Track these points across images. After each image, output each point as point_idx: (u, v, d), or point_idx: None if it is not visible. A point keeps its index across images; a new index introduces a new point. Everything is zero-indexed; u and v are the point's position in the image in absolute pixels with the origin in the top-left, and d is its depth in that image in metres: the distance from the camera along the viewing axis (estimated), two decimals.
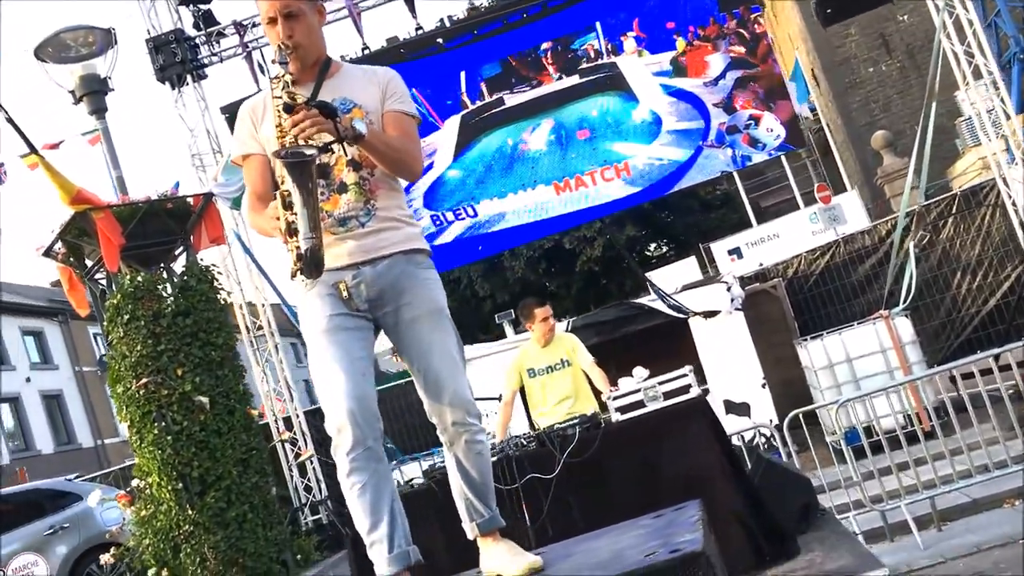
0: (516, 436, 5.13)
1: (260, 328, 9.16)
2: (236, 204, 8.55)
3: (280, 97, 2.41)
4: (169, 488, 7.28)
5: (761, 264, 12.91)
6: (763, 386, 9.56)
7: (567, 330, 9.97)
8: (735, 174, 17.50)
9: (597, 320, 10.10)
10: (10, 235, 33.92)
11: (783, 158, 17.31)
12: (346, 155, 2.55)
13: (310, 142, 2.36)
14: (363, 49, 9.38)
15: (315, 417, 10.75)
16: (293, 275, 2.37)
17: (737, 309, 9.59)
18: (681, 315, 9.47)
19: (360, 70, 2.72)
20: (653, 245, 26.34)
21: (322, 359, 2.48)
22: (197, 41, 9.76)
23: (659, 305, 9.55)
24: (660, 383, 4.81)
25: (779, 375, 9.89)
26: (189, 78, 9.67)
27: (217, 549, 7.24)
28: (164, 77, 9.57)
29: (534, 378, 5.94)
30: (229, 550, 7.26)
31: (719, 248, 18.96)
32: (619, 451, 4.76)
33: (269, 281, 9.42)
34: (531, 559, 2.53)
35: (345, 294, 2.54)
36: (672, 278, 17.31)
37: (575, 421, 4.92)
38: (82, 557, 8.04)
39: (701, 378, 9.63)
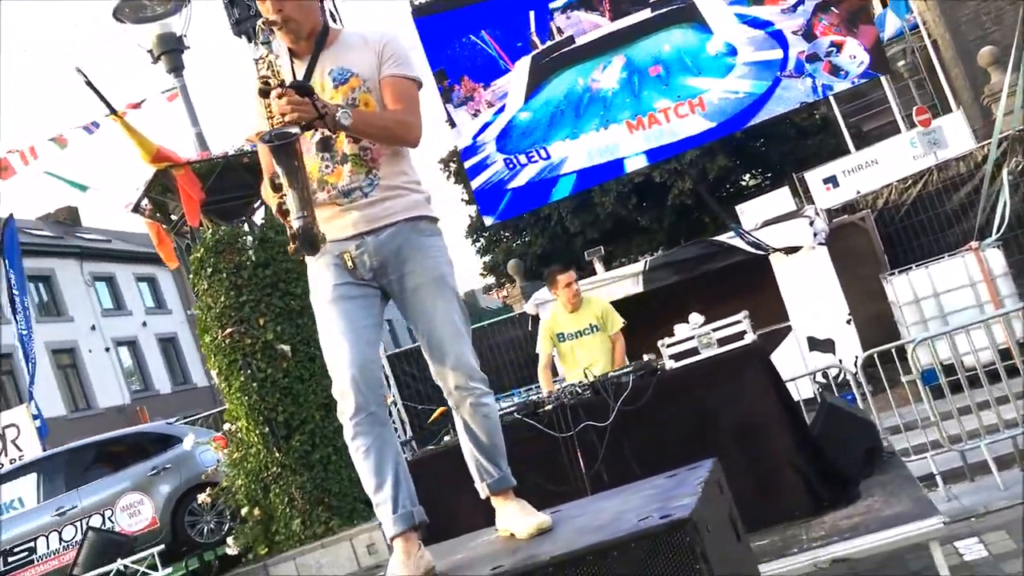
0: (572, 384, 5.16)
1: None
2: None
3: (266, 78, 2.44)
4: (257, 432, 7.63)
5: (858, 192, 12.45)
6: (848, 322, 9.32)
7: (646, 270, 9.94)
8: (831, 98, 16.82)
9: (676, 259, 9.98)
10: (106, 188, 35.29)
11: (884, 79, 16.46)
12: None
13: (293, 121, 2.39)
14: None
15: (400, 360, 11.03)
16: (292, 253, 2.44)
17: (820, 243, 9.33)
18: (762, 251, 9.27)
19: (358, 36, 2.72)
20: (747, 175, 25.69)
21: (327, 328, 2.57)
22: None
23: (739, 242, 9.36)
24: (714, 329, 4.76)
25: (867, 310, 9.60)
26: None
27: (304, 489, 7.59)
28: (240, 31, 9.70)
29: (564, 342, 5.99)
30: (315, 490, 7.59)
31: (814, 177, 18.31)
32: (673, 398, 4.74)
33: None
34: (540, 519, 2.58)
35: (350, 264, 2.60)
36: (763, 210, 16.88)
37: (629, 369, 4.92)
38: (183, 496, 8.50)
39: (783, 315, 9.47)
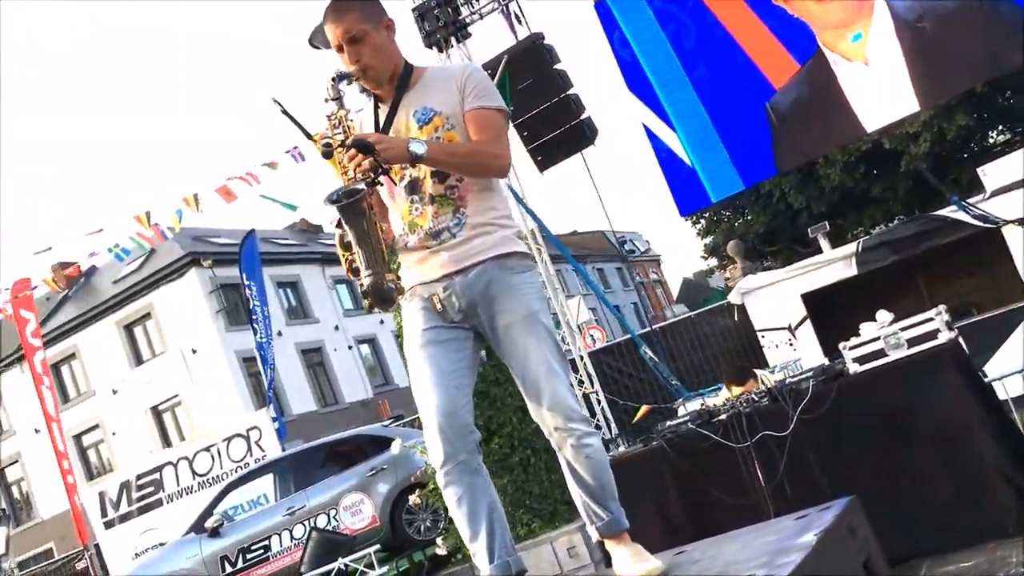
0: (749, 393, 4.87)
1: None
2: None
3: (328, 140, 2.44)
4: None
5: None
6: None
7: (859, 251, 9.25)
8: None
9: (893, 237, 9.19)
10: (313, 206, 37.72)
11: None
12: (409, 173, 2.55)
13: (358, 179, 2.37)
14: None
15: (604, 355, 10.95)
16: (370, 309, 2.44)
17: None
18: (991, 225, 8.36)
19: (441, 71, 2.67)
20: (993, 132, 23.36)
21: (416, 375, 2.55)
22: (458, 2, 10.05)
23: (963, 216, 8.49)
24: (903, 328, 4.32)
25: None
26: (453, 40, 10.01)
27: (505, 492, 7.69)
28: (431, 42, 9.99)
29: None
30: (516, 492, 7.68)
31: None
32: (859, 405, 4.37)
33: (539, 224, 9.64)
34: (650, 566, 2.43)
35: (439, 306, 2.57)
36: (1011, 170, 15.26)
37: (809, 374, 4.57)
38: (399, 495, 8.89)
39: (1021, 294, 8.50)
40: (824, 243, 13.83)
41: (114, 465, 25.46)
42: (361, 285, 2.41)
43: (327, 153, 2.44)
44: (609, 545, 2.62)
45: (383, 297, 2.39)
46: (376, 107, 2.65)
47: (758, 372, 5.80)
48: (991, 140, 23.71)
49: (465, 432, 2.50)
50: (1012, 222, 8.31)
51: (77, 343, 26.63)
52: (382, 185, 2.55)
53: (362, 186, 2.37)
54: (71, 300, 28.61)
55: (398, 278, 2.50)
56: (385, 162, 2.42)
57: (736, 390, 5.41)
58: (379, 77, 2.59)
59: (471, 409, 2.56)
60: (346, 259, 2.46)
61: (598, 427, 9.41)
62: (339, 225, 2.49)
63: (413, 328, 2.60)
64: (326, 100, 2.50)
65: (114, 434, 26.23)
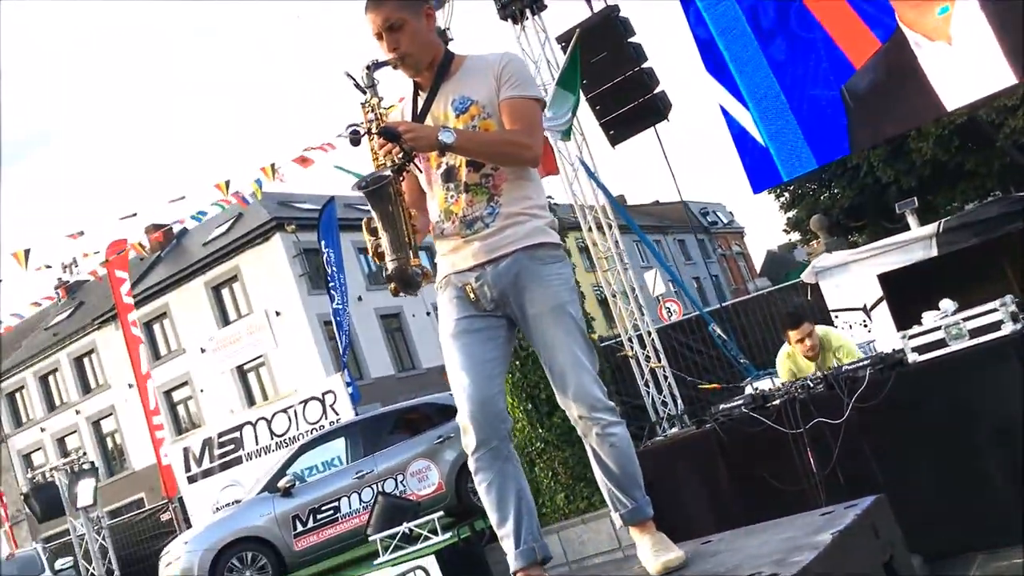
0: (806, 377, 4.83)
1: (608, 252, 9.40)
2: (566, 135, 8.78)
3: (356, 127, 2.49)
4: (521, 408, 7.93)
5: None
6: None
7: (939, 232, 8.98)
8: None
9: (976, 219, 8.89)
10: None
11: None
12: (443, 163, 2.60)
13: (386, 165, 2.43)
14: None
15: (673, 331, 10.89)
16: (395, 294, 2.50)
17: None
18: None
19: (480, 60, 2.69)
20: None
21: (450, 363, 2.62)
22: None
23: None
24: (966, 319, 4.22)
25: None
26: (529, 12, 9.97)
27: (566, 465, 7.79)
28: (506, 15, 9.96)
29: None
30: (577, 466, 7.75)
31: None
32: (917, 395, 4.31)
33: (612, 201, 9.60)
34: (669, 557, 2.46)
35: (472, 296, 2.62)
36: None
37: (867, 361, 4.51)
38: (465, 464, 9.03)
39: None
40: (912, 220, 13.39)
41: (202, 420, 26.44)
42: (385, 269, 2.47)
43: (355, 141, 2.50)
44: (633, 533, 2.67)
45: (407, 282, 2.45)
46: (416, 95, 2.70)
47: (823, 327, 5.72)
48: None
49: (497, 420, 2.57)
50: None
51: (169, 302, 27.61)
52: (408, 172, 2.60)
53: (388, 172, 2.42)
54: (163, 261, 29.65)
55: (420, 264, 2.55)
56: (413, 150, 2.47)
57: (793, 335, 5.37)
58: (418, 65, 2.63)
59: (504, 397, 2.62)
60: (372, 243, 2.52)
61: (664, 403, 9.41)
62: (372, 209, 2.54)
63: (447, 317, 2.67)
64: (361, 88, 2.55)
65: (202, 391, 27.21)
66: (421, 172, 2.68)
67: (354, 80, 7.77)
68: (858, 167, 23.08)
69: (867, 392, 4.31)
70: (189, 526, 12.42)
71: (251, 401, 25.89)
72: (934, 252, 8.94)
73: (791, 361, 5.54)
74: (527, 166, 2.65)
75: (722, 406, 4.95)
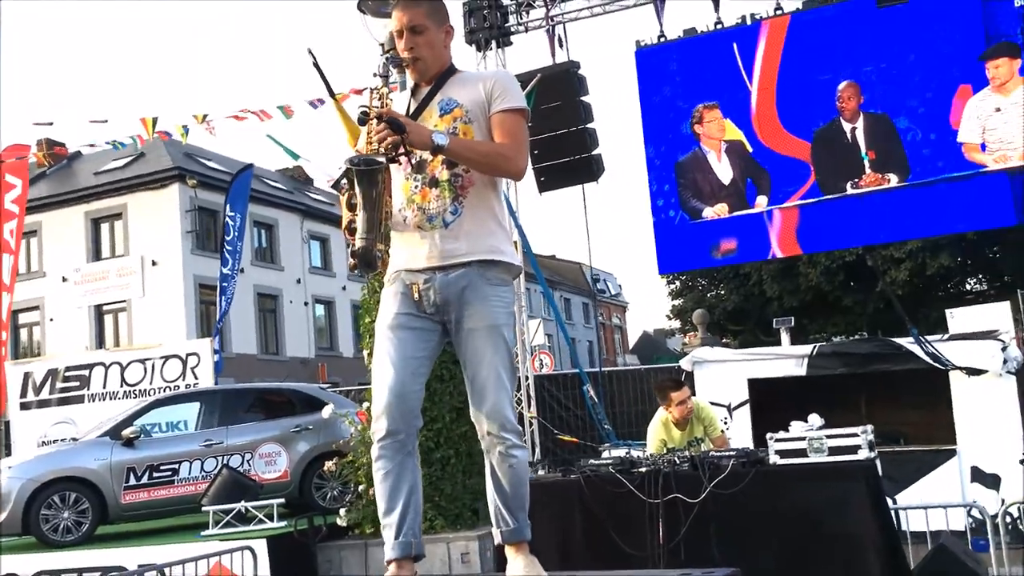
0: (675, 451, 5.10)
1: None
2: None
3: (366, 109, 2.62)
4: None
5: None
6: (1022, 462, 8.57)
7: (812, 355, 9.55)
8: None
9: (847, 351, 9.52)
10: (316, 160, 37.91)
11: None
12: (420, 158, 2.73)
13: (381, 151, 2.55)
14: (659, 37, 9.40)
15: (546, 383, 11.15)
16: (352, 269, 2.61)
17: (1010, 372, 8.63)
18: (940, 366, 8.69)
19: (472, 75, 2.89)
20: (972, 280, 23.97)
21: (379, 352, 2.73)
22: (508, 9, 10.26)
23: (918, 350, 8.82)
24: (829, 436, 4.57)
25: None
26: (494, 43, 10.21)
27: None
28: (472, 39, 10.18)
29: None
30: (428, 487, 7.80)
31: None
32: (770, 493, 4.61)
33: (523, 239, 9.82)
34: None
35: (416, 296, 2.75)
36: (974, 321, 15.69)
37: (733, 453, 4.81)
38: (316, 458, 9.00)
39: (951, 437, 8.84)
40: (785, 337, 14.12)
41: (43, 350, 25.23)
42: (352, 244, 2.58)
43: (362, 120, 2.61)
44: (508, 551, 2.81)
45: (369, 262, 2.57)
46: (412, 97, 2.84)
47: (697, 399, 6.18)
48: (967, 287, 24.33)
49: (411, 416, 2.69)
50: (961, 369, 8.65)
51: (42, 222, 26.36)
52: (400, 164, 2.72)
53: (382, 159, 2.54)
54: (47, 179, 28.33)
55: (387, 252, 2.67)
56: (410, 146, 2.60)
57: (675, 396, 5.75)
58: (425, 71, 2.78)
59: (421, 397, 2.74)
60: (348, 218, 2.62)
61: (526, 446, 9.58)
62: (347, 187, 2.65)
63: (388, 309, 2.78)
64: (375, 75, 2.68)
65: (51, 320, 26.00)
66: (400, 164, 2.79)
67: (314, 58, 7.78)
68: (749, 276, 24.14)
69: (726, 480, 4.59)
70: (8, 453, 11.86)
71: (101, 343, 24.90)
72: (803, 372, 9.49)
73: (664, 430, 5.86)
74: (512, 178, 2.82)
75: (591, 461, 5.16)
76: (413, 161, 2.76)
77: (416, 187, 2.76)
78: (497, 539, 2.85)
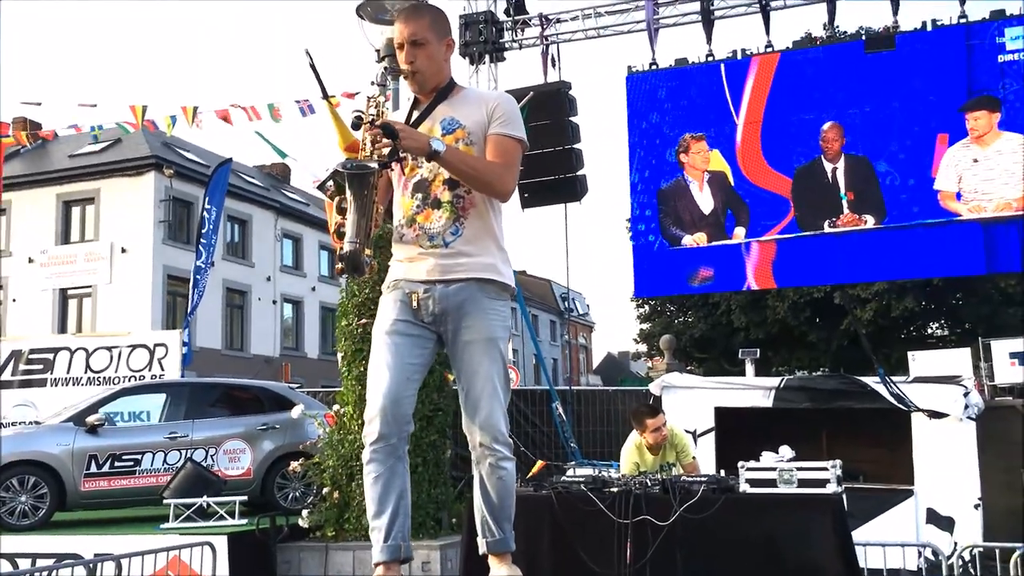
0: (646, 474, 5.16)
1: None
2: None
3: (360, 114, 2.66)
4: (359, 422, 7.96)
5: None
6: (976, 507, 8.74)
7: (779, 387, 9.68)
8: None
9: (813, 386, 9.67)
10: (303, 159, 37.83)
11: None
12: (420, 170, 2.79)
13: (374, 157, 2.59)
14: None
15: (517, 398, 11.17)
16: (339, 273, 2.64)
17: (970, 418, 8.82)
18: (903, 407, 8.86)
19: (476, 93, 2.95)
20: (935, 324, 24.42)
21: (376, 356, 2.77)
22: (504, 26, 10.37)
23: (883, 389, 8.99)
24: (799, 468, 4.65)
25: (1001, 501, 8.98)
26: (488, 58, 10.32)
27: None
28: (465, 53, 10.27)
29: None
30: None
31: (1000, 348, 17.29)
32: (738, 521, 4.68)
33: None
34: None
35: (415, 304, 2.79)
36: (935, 365, 16.00)
37: (704, 479, 4.88)
38: (280, 458, 8.96)
39: (908, 477, 9.00)
40: (750, 368, 14.29)
41: (2, 331, 24.82)
42: (340, 248, 2.60)
43: (356, 125, 2.65)
44: (492, 561, 2.85)
45: (356, 266, 2.59)
46: (412, 108, 2.89)
47: (671, 424, 6.28)
48: (930, 330, 24.78)
49: (403, 420, 2.72)
50: (924, 412, 8.82)
51: (12, 200, 25.99)
52: (392, 170, 2.77)
53: (375, 165, 2.58)
54: (20, 157, 27.96)
55: (374, 258, 2.70)
56: (403, 151, 2.64)
57: (651, 422, 5.84)
58: (424, 84, 2.83)
59: (414, 403, 2.78)
60: (336, 222, 2.65)
61: None
62: (333, 189, 2.68)
63: (386, 315, 2.82)
64: (372, 83, 2.73)
65: (14, 300, 25.60)
66: (393, 170, 2.84)
67: (311, 59, 7.84)
68: (718, 305, 24.41)
69: (696, 505, 4.65)
70: None
71: (63, 328, 24.55)
72: (769, 403, 9.63)
73: (638, 453, 5.94)
74: (498, 199, 2.86)
75: (563, 478, 5.20)
76: (409, 175, 2.82)
77: (419, 207, 2.82)
78: (482, 548, 2.89)
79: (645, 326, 27.89)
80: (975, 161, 8.51)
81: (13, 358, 11.86)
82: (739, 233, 9.27)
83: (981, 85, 8.63)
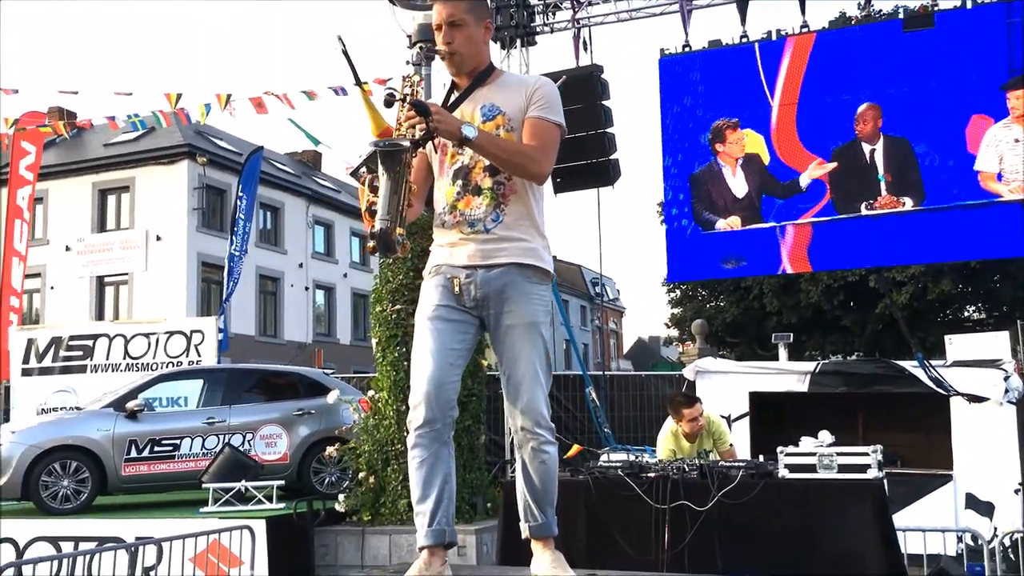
0: (683, 460, 5.15)
1: None
2: None
3: (393, 91, 2.64)
4: (394, 407, 8.02)
5: None
6: (1017, 492, 8.63)
7: (815, 372, 9.60)
8: None
9: (849, 371, 9.58)
10: (336, 146, 37.83)
11: None
12: (461, 154, 2.78)
13: (407, 136, 2.57)
14: None
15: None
16: (371, 252, 2.63)
17: (1010, 402, 8.69)
18: (942, 391, 8.75)
19: (516, 78, 2.93)
20: (972, 307, 24.07)
21: (419, 342, 2.77)
22: (535, 9, 10.30)
23: (921, 374, 8.88)
24: (839, 453, 4.62)
25: None
26: (519, 42, 10.25)
27: None
28: (496, 37, 10.19)
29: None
30: None
31: None
32: (777, 506, 4.66)
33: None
34: (565, 575, 2.67)
35: (456, 289, 2.79)
36: (973, 349, 15.75)
37: (742, 464, 4.85)
38: (316, 443, 9.05)
39: (947, 462, 8.90)
40: (783, 352, 14.16)
41: (41, 318, 25.22)
42: (372, 226, 2.56)
43: (389, 102, 2.64)
44: (535, 546, 2.86)
45: (388, 245, 2.55)
46: (450, 92, 2.88)
47: (708, 412, 6.25)
48: (966, 313, 24.43)
49: (447, 405, 2.73)
50: (963, 395, 8.71)
51: (49, 189, 26.32)
52: (422, 150, 2.76)
53: (407, 143, 2.56)
54: (56, 147, 28.29)
55: (406, 237, 2.67)
56: (435, 132, 2.62)
57: (687, 412, 5.81)
58: (461, 66, 2.82)
59: (458, 388, 2.79)
60: (368, 200, 2.63)
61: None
62: (368, 171, 2.66)
63: (428, 300, 2.82)
64: (407, 62, 2.73)
65: (52, 288, 25.99)
66: (435, 157, 2.83)
67: (343, 45, 7.89)
68: (750, 289, 24.22)
69: (735, 491, 4.63)
70: (7, 418, 11.88)
71: (100, 315, 24.90)
72: (805, 388, 9.55)
73: (674, 440, 5.92)
74: (533, 181, 2.84)
75: (600, 463, 5.20)
76: (451, 163, 2.81)
77: (460, 194, 2.82)
78: (524, 533, 2.89)
79: (676, 311, 27.75)
80: (1016, 141, 8.35)
81: (54, 344, 12.04)
82: (774, 217, 9.19)
83: (1023, 63, 8.45)
